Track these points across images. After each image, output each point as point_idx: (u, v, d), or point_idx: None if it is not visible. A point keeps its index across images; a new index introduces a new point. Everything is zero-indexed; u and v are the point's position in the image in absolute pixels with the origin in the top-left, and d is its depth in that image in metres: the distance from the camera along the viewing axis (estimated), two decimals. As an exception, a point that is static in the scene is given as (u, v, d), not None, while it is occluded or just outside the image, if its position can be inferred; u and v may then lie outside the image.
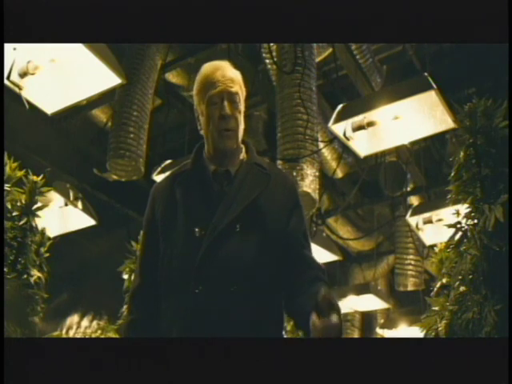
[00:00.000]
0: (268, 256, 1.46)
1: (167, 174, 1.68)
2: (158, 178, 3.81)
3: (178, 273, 1.45)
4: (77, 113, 4.65)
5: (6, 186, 2.80)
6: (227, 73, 1.56)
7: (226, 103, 1.52)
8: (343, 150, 4.80)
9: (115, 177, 4.00)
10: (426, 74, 3.13)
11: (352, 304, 6.16)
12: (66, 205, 4.05)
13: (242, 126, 1.57)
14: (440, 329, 2.12)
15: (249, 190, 1.51)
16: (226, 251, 1.42)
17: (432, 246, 4.15)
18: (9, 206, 2.84)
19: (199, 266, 1.40)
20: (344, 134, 3.31)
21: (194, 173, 1.56)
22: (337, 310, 1.24)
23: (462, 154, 2.22)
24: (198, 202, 1.51)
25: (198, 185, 1.53)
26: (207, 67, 1.61)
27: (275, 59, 3.82)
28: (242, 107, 1.57)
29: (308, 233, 1.59)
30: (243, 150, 1.61)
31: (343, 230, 6.28)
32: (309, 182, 3.62)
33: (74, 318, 4.97)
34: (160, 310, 1.47)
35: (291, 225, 1.52)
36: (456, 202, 2.23)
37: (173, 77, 4.45)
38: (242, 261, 1.43)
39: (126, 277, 3.69)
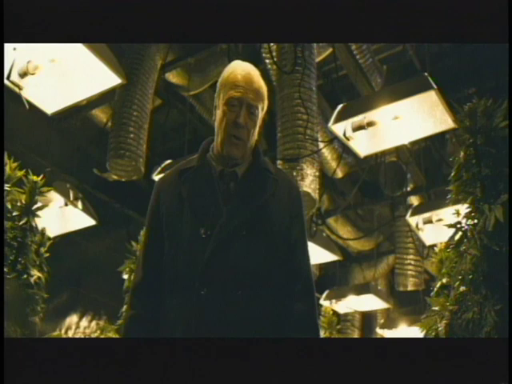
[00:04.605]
0: (271, 261, 1.47)
1: (173, 167, 1.65)
2: (158, 178, 3.81)
3: (182, 273, 1.45)
4: (77, 113, 4.65)
5: (6, 186, 2.80)
6: (254, 84, 1.52)
7: (243, 112, 1.50)
8: (343, 150, 4.80)
9: (115, 177, 4.00)
10: (425, 74, 3.13)
11: (352, 304, 6.16)
12: (66, 205, 4.05)
13: (254, 137, 1.56)
14: (440, 329, 2.12)
15: (256, 195, 1.51)
16: (232, 255, 1.42)
17: (432, 246, 4.16)
18: (9, 206, 2.85)
19: (205, 268, 1.40)
20: (344, 134, 3.31)
21: (200, 170, 1.55)
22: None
23: (462, 154, 2.23)
24: (203, 201, 1.50)
25: (204, 183, 1.52)
26: (237, 67, 1.56)
27: (275, 59, 3.82)
28: (259, 120, 1.55)
29: (307, 243, 1.58)
30: (251, 152, 1.59)
31: (343, 230, 6.28)
32: (309, 182, 3.62)
33: (73, 318, 4.97)
34: (162, 306, 1.47)
35: (292, 234, 1.53)
36: (456, 202, 2.23)
37: (173, 77, 4.45)
38: (247, 265, 1.43)
39: (125, 277, 3.70)
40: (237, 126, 1.50)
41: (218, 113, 1.54)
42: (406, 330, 5.91)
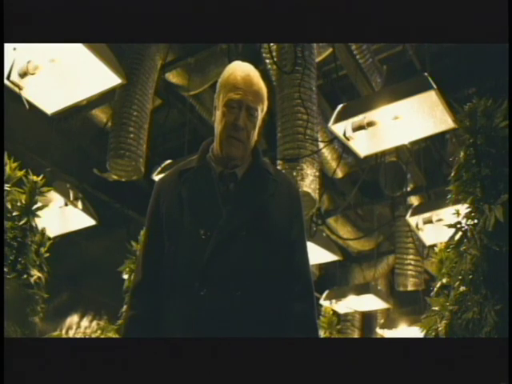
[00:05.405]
0: (271, 261, 1.47)
1: (173, 168, 1.66)
2: (158, 178, 3.81)
3: (182, 274, 1.45)
4: (77, 113, 4.65)
5: (6, 186, 2.80)
6: (253, 86, 1.52)
7: (242, 113, 1.50)
8: (343, 150, 4.80)
9: (115, 177, 4.00)
10: (425, 74, 3.13)
11: (352, 304, 6.16)
12: (66, 205, 4.04)
13: (254, 138, 1.56)
14: (440, 329, 2.12)
15: (256, 196, 1.51)
16: (231, 255, 1.43)
17: (432, 246, 4.15)
18: (9, 206, 2.85)
19: (204, 269, 1.41)
20: (344, 134, 3.31)
21: (200, 171, 1.55)
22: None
23: (462, 153, 2.22)
24: (203, 203, 1.50)
25: (203, 184, 1.53)
26: (236, 68, 1.56)
27: (275, 59, 3.82)
28: (258, 122, 1.55)
29: (306, 244, 1.58)
30: (250, 153, 1.60)
31: (343, 230, 6.28)
32: (309, 182, 3.62)
33: (73, 318, 4.97)
34: (162, 306, 1.47)
35: (292, 235, 1.53)
36: (456, 202, 2.23)
37: (173, 77, 4.45)
38: (247, 265, 1.43)
39: (126, 277, 3.70)
40: (236, 128, 1.50)
41: (218, 114, 1.54)
42: (406, 330, 5.91)
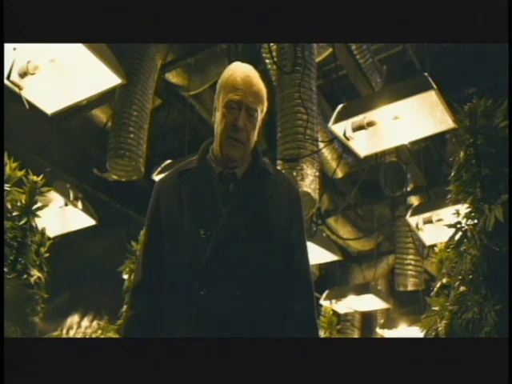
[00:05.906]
0: (271, 261, 1.47)
1: (173, 168, 1.66)
2: (158, 178, 3.82)
3: (182, 274, 1.45)
4: (77, 113, 4.65)
5: (6, 186, 2.80)
6: (253, 87, 1.52)
7: (242, 114, 1.50)
8: (343, 150, 4.80)
9: (115, 177, 4.01)
10: (425, 74, 3.13)
11: (352, 304, 6.16)
12: (66, 205, 4.04)
13: (254, 139, 1.56)
14: (440, 329, 2.12)
15: (256, 196, 1.52)
16: (231, 255, 1.43)
17: (432, 246, 4.15)
18: (9, 206, 2.85)
19: (204, 269, 1.41)
20: (344, 134, 3.31)
21: (200, 172, 1.55)
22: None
23: (462, 153, 2.23)
24: (203, 203, 1.51)
25: (203, 184, 1.53)
26: (236, 69, 1.56)
27: (275, 59, 3.82)
28: (258, 122, 1.55)
29: (306, 244, 1.59)
30: (250, 154, 1.60)
31: (343, 230, 6.28)
32: (309, 182, 3.62)
33: (73, 318, 4.97)
34: (162, 306, 1.48)
35: (292, 235, 1.53)
36: (456, 202, 2.23)
37: (173, 77, 4.46)
38: (246, 265, 1.44)
39: (126, 277, 3.70)
40: (236, 129, 1.50)
41: (218, 115, 1.55)
42: (406, 330, 5.91)
